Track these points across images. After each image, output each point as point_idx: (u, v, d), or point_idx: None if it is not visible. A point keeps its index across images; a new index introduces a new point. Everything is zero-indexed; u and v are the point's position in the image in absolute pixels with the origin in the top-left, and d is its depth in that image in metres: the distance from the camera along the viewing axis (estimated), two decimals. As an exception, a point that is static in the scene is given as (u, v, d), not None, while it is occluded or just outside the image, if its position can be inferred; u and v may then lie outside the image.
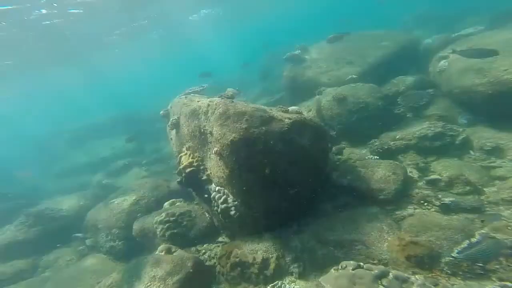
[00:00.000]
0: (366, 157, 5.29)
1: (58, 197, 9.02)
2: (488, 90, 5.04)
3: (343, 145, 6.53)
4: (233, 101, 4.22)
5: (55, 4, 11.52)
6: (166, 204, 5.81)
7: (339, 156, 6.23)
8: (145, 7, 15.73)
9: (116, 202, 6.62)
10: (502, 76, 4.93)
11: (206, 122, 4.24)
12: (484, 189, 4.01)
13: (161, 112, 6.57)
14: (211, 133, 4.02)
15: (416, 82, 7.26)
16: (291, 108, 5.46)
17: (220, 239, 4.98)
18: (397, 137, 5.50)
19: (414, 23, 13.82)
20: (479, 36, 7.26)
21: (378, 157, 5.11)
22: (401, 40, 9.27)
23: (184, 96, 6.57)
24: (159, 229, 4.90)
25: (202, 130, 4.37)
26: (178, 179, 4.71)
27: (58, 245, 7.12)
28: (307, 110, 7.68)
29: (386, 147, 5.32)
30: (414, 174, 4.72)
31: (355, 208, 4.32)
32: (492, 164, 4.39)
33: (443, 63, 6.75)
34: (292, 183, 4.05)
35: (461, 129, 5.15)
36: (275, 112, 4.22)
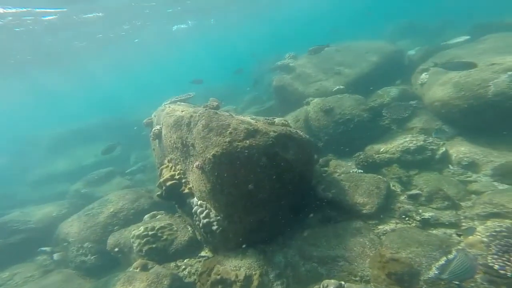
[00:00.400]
0: (351, 171, 5.40)
1: (31, 207, 8.58)
2: (464, 104, 5.24)
3: (330, 157, 6.64)
4: (217, 113, 4.20)
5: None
6: (146, 217, 5.67)
7: (326, 168, 6.33)
8: (128, 18, 15.79)
9: (91, 213, 6.38)
10: (476, 90, 5.13)
11: (189, 134, 4.19)
12: (461, 203, 4.17)
13: (144, 121, 6.45)
14: (193, 145, 3.97)
15: (400, 93, 7.54)
16: (277, 120, 5.53)
17: (202, 253, 4.89)
18: (381, 150, 5.65)
19: (399, 34, 14.44)
20: (460, 48, 7.65)
21: (362, 171, 5.22)
22: (386, 51, 9.64)
23: (169, 104, 6.50)
24: (136, 244, 4.75)
25: (184, 142, 4.32)
26: (158, 193, 4.62)
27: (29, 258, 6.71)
28: (295, 120, 7.79)
29: (370, 161, 5.45)
30: (397, 188, 4.85)
31: (339, 222, 4.39)
32: (468, 178, 4.59)
33: (424, 75, 7.06)
34: (276, 197, 4.05)
35: (441, 143, 5.37)
36: (260, 124, 4.23)
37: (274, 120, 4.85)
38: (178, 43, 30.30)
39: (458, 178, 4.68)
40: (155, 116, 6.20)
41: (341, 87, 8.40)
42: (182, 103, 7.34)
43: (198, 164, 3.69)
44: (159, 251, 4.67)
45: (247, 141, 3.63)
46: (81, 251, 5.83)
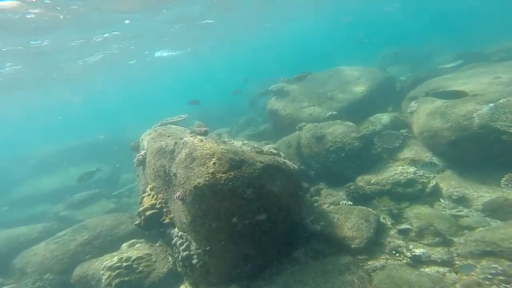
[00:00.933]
0: (341, 202, 5.34)
1: (1, 230, 8.13)
2: (451, 135, 5.27)
3: (321, 186, 6.61)
4: (202, 140, 4.22)
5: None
6: (124, 245, 5.42)
7: (317, 197, 6.27)
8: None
9: (61, 241, 6.01)
10: (462, 121, 5.18)
11: (172, 163, 4.16)
12: (454, 238, 4.10)
13: (132, 144, 6.43)
14: (175, 175, 3.93)
15: (391, 121, 7.70)
16: (267, 148, 5.57)
17: (182, 287, 4.63)
18: (372, 181, 5.66)
19: (390, 60, 15.19)
20: (444, 78, 7.97)
21: (352, 203, 5.17)
22: (378, 77, 10.07)
23: (158, 127, 6.54)
24: (105, 276, 4.45)
25: (167, 171, 4.27)
26: (137, 222, 4.47)
27: None
28: (287, 146, 7.86)
29: (361, 192, 5.43)
30: (388, 221, 4.78)
31: (327, 257, 4.25)
32: (460, 213, 4.56)
33: (413, 104, 7.27)
34: (262, 230, 3.95)
35: (431, 176, 5.39)
36: (248, 154, 4.22)
37: (263, 149, 4.88)
38: (176, 66, 31.86)
39: (449, 212, 4.64)
40: (142, 139, 6.21)
41: (334, 112, 8.62)
42: (172, 126, 7.40)
43: (179, 195, 3.63)
44: (132, 285, 4.40)
45: (232, 173, 3.58)
46: (37, 284, 5.39)
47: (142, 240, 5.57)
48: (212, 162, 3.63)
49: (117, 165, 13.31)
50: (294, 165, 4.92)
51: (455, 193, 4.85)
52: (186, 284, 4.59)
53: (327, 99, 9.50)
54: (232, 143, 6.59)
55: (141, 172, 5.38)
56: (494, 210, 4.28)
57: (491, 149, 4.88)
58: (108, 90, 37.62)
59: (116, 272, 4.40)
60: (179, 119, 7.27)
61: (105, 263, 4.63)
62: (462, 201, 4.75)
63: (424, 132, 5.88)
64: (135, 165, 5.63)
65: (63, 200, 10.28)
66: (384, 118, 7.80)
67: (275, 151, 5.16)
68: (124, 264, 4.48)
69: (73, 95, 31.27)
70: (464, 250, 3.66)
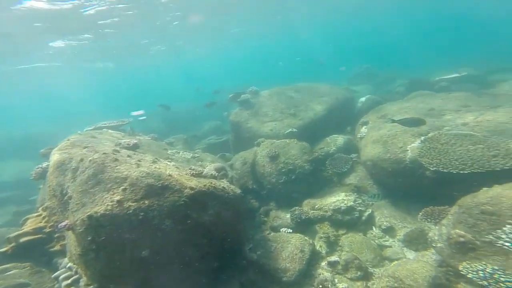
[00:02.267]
0: (281, 229, 5.60)
1: None
2: (389, 167, 5.65)
3: (271, 206, 6.84)
4: (117, 160, 3.80)
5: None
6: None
7: (265, 219, 6.49)
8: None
9: None
10: (398, 153, 5.55)
11: (71, 183, 3.69)
12: (376, 270, 4.52)
13: (42, 150, 5.65)
14: (70, 198, 3.51)
15: (345, 143, 8.16)
16: (208, 168, 5.45)
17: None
18: (316, 206, 5.99)
19: (357, 79, 16.13)
20: (391, 104, 8.60)
21: (291, 230, 5.45)
22: (340, 96, 10.57)
23: (90, 130, 5.92)
24: None
25: (64, 191, 3.81)
26: (3, 249, 3.88)
27: None
28: (242, 163, 7.98)
29: (304, 218, 5.73)
30: (323, 249, 5.12)
31: (261, 289, 4.42)
32: (385, 243, 5.04)
33: (363, 129, 7.70)
34: (187, 263, 3.74)
35: (370, 203, 5.87)
36: (177, 178, 3.84)
37: (202, 170, 4.81)
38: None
39: (377, 242, 5.10)
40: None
41: (294, 130, 8.90)
42: (108, 131, 6.67)
43: (67, 224, 3.20)
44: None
45: (146, 201, 3.28)
46: None
47: (29, 262, 4.40)
48: (122, 188, 3.30)
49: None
50: (236, 190, 4.85)
51: (385, 223, 5.34)
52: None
53: (289, 115, 9.76)
54: (174, 157, 6.33)
55: (42, 187, 4.77)
56: (410, 241, 4.79)
57: (421, 183, 5.36)
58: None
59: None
60: (122, 123, 6.74)
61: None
62: (389, 230, 5.24)
63: (368, 161, 6.32)
64: (32, 178, 4.96)
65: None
66: (339, 140, 8.24)
67: (217, 173, 5.12)
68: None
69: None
70: (378, 286, 4.04)
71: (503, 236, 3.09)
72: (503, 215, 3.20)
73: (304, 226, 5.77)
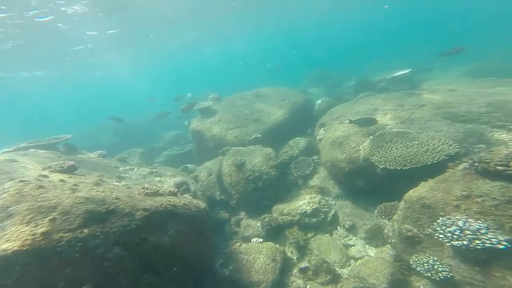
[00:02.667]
0: (252, 240, 5.60)
1: None
2: (346, 167, 6.00)
3: (242, 216, 6.80)
4: (42, 187, 3.40)
5: None
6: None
7: (236, 229, 6.42)
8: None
9: None
10: (353, 153, 5.94)
11: None
12: (343, 270, 4.79)
13: None
14: None
15: (306, 145, 8.50)
16: (167, 185, 5.19)
17: None
18: (285, 212, 6.12)
19: (313, 81, 17.00)
20: (343, 106, 9.19)
21: (262, 240, 5.48)
22: (298, 100, 10.96)
23: (8, 153, 5.12)
24: None
25: None
26: None
27: None
28: (208, 174, 7.78)
29: (273, 224, 5.81)
30: (294, 255, 5.26)
31: (236, 305, 4.35)
32: (349, 242, 5.39)
33: (321, 131, 8.12)
34: None
35: (333, 203, 6.20)
36: (126, 200, 3.58)
37: (159, 188, 4.55)
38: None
39: (342, 241, 5.42)
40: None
41: (258, 135, 8.97)
42: (38, 151, 5.73)
43: None
44: None
45: (86, 230, 2.97)
46: None
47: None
48: (49, 218, 2.92)
49: None
50: (200, 205, 4.72)
51: (348, 222, 5.70)
52: None
53: (253, 120, 9.81)
54: (127, 175, 5.88)
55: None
56: (371, 238, 5.20)
57: (374, 179, 5.84)
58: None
59: None
60: (57, 140, 5.90)
61: None
62: (352, 229, 5.61)
63: (327, 162, 6.68)
64: None
65: None
66: (301, 142, 8.55)
67: (177, 189, 4.92)
68: None
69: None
70: None
71: (438, 228, 3.30)
72: (437, 207, 3.44)
73: (274, 232, 5.85)
